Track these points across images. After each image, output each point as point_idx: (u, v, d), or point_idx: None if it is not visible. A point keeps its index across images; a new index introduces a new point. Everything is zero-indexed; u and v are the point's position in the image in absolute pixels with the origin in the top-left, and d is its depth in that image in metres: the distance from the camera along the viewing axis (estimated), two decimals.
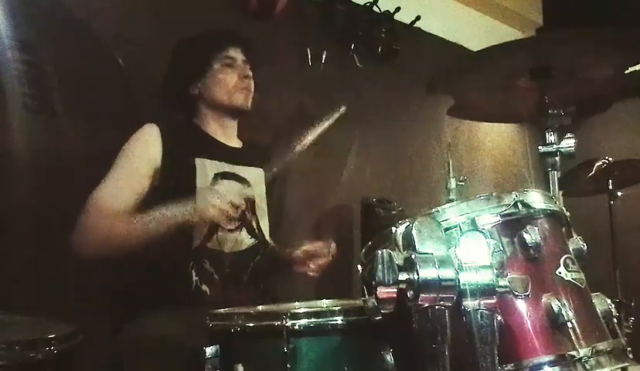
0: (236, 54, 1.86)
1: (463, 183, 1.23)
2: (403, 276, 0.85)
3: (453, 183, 1.25)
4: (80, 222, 1.60)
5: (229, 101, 1.84)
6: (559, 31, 1.57)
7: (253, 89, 1.87)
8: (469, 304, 0.85)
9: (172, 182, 1.70)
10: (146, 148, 1.71)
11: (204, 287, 1.65)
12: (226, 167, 1.79)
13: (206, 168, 1.75)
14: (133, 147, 1.72)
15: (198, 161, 1.74)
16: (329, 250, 1.81)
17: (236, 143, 1.92)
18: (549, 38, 1.66)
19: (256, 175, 1.86)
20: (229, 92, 1.83)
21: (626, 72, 1.65)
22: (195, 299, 1.62)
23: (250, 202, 1.81)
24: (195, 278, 1.65)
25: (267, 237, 1.84)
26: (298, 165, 2.51)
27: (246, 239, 1.77)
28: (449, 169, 1.42)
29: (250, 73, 1.86)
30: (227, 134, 1.89)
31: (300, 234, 2.16)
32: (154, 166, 1.70)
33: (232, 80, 1.84)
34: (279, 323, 1.09)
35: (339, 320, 1.11)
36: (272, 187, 1.94)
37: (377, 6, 2.92)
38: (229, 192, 1.63)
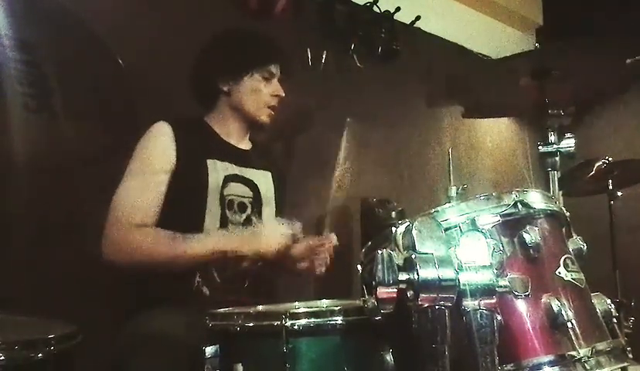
0: (276, 70, 1.84)
1: (464, 192, 1.24)
2: (403, 276, 0.85)
3: (454, 191, 1.26)
4: (106, 232, 1.58)
5: (254, 114, 1.82)
6: (560, 42, 1.57)
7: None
8: (469, 304, 0.85)
9: (186, 182, 1.67)
10: (163, 152, 1.68)
11: (204, 289, 1.64)
12: (236, 169, 1.78)
13: (217, 169, 1.73)
14: (148, 149, 1.69)
15: (210, 162, 1.72)
16: (331, 243, 1.80)
17: (245, 145, 1.90)
18: (552, 49, 1.65)
19: (263, 178, 1.85)
20: (258, 105, 1.82)
21: (628, 61, 1.64)
22: (193, 300, 1.61)
23: (258, 206, 1.80)
24: (197, 279, 1.64)
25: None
26: (298, 165, 2.51)
27: None
28: (450, 176, 1.42)
29: (283, 94, 1.84)
30: (238, 136, 1.87)
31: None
32: (170, 168, 1.67)
33: (265, 95, 1.81)
34: (278, 323, 1.08)
35: (339, 320, 1.11)
36: (280, 190, 1.92)
37: (377, 6, 2.92)
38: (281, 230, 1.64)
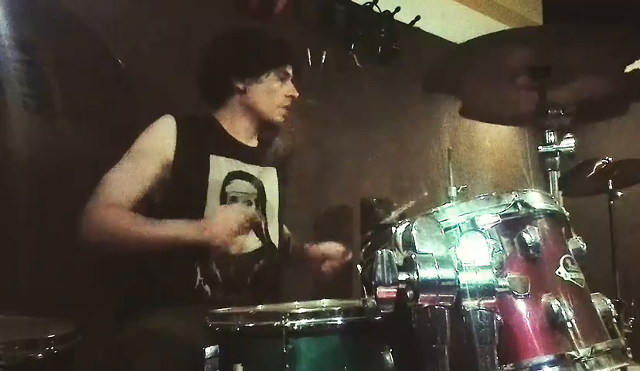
0: (290, 71, 1.86)
1: (463, 192, 1.24)
2: (402, 276, 0.86)
3: (453, 192, 1.26)
4: (87, 208, 1.58)
5: (269, 114, 1.84)
6: (558, 26, 1.57)
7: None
8: (469, 304, 0.85)
9: (186, 177, 1.68)
10: (158, 141, 1.69)
11: (206, 288, 1.64)
12: (241, 166, 1.78)
13: (221, 165, 1.73)
14: (145, 138, 1.70)
15: (213, 157, 1.73)
16: (346, 255, 1.81)
17: (253, 143, 1.90)
18: (545, 32, 1.66)
19: (269, 175, 1.86)
20: (272, 105, 1.83)
21: (626, 71, 1.65)
22: (195, 299, 1.61)
23: (262, 203, 1.81)
24: (199, 278, 1.64)
25: (274, 240, 1.83)
26: (298, 165, 2.51)
27: (252, 242, 1.76)
28: (449, 176, 1.42)
29: (297, 95, 1.85)
30: (247, 134, 1.87)
31: (300, 234, 2.16)
32: (165, 160, 1.67)
33: (280, 95, 1.83)
34: (278, 323, 1.08)
35: (339, 320, 1.11)
36: (285, 187, 1.93)
37: (377, 6, 2.92)
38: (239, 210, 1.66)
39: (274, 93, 1.82)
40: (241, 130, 1.85)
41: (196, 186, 1.69)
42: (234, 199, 1.73)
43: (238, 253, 1.70)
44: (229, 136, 1.83)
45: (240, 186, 1.75)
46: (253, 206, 1.77)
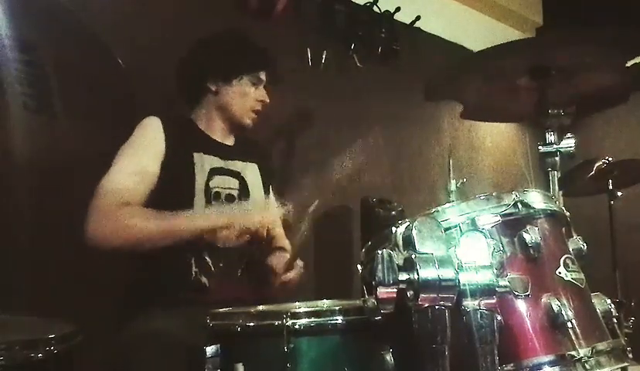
0: (264, 77, 1.89)
1: (463, 186, 1.24)
2: (403, 276, 0.85)
3: (453, 185, 1.26)
4: (90, 211, 1.57)
5: (239, 117, 1.87)
6: (559, 31, 1.57)
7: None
8: (469, 304, 0.85)
9: (174, 174, 1.70)
10: (151, 140, 1.71)
11: (203, 279, 1.66)
12: (221, 162, 1.81)
13: (203, 162, 1.76)
14: (139, 138, 1.72)
15: (196, 155, 1.76)
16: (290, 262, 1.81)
17: (230, 141, 1.93)
18: (549, 39, 1.66)
19: (251, 170, 1.89)
20: (244, 109, 1.87)
21: (627, 65, 1.64)
22: (194, 291, 1.63)
23: (245, 197, 1.83)
24: (194, 269, 1.66)
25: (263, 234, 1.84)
26: (298, 165, 2.52)
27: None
28: (449, 172, 1.42)
29: (268, 100, 1.89)
30: (222, 134, 1.90)
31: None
32: (160, 156, 1.70)
33: (251, 99, 1.87)
34: (279, 322, 1.09)
35: (339, 320, 1.11)
36: (268, 181, 1.95)
37: (377, 6, 2.92)
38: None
39: (246, 97, 1.86)
40: (217, 129, 1.89)
41: (185, 183, 1.71)
42: (218, 195, 1.76)
43: (224, 246, 1.71)
44: (206, 135, 1.87)
45: (222, 182, 1.79)
46: (237, 200, 1.80)
